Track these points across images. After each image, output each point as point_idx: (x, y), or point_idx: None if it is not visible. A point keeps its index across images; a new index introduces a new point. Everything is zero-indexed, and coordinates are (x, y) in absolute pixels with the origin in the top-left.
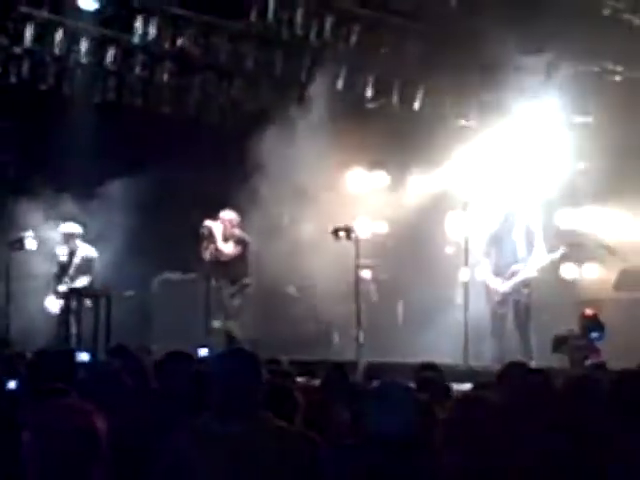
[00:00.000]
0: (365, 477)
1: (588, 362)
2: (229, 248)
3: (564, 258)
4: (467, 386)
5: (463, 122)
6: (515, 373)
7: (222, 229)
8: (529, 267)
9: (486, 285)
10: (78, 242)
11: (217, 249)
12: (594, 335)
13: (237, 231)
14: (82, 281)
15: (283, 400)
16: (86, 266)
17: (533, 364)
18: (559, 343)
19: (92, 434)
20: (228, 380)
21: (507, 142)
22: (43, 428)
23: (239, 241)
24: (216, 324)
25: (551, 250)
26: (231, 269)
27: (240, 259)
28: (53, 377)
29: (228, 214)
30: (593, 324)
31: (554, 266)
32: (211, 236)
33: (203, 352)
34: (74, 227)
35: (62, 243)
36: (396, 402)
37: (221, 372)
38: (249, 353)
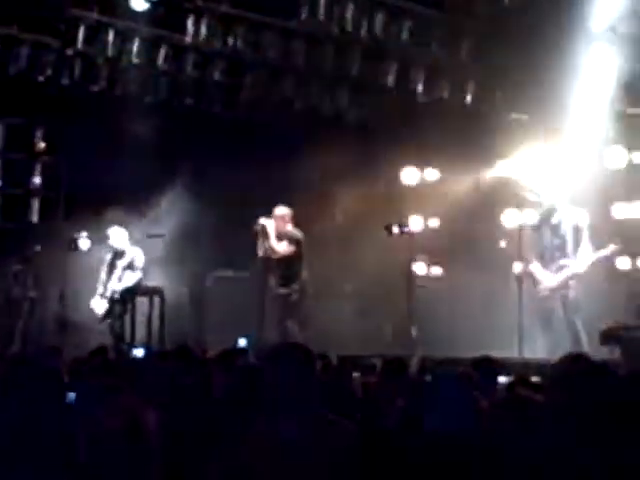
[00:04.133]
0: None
1: None
2: (282, 247)
3: (616, 254)
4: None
5: (514, 116)
6: (574, 367)
7: (275, 226)
8: (578, 263)
9: (533, 279)
10: (124, 244)
11: (271, 247)
12: None
13: (290, 228)
14: (130, 280)
15: (341, 396)
16: (134, 266)
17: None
18: (609, 335)
19: (141, 432)
20: (281, 376)
21: (559, 136)
22: (94, 430)
23: (292, 240)
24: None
25: (601, 246)
26: (286, 267)
27: (294, 257)
28: (107, 375)
29: (281, 210)
30: None
31: (607, 260)
32: (265, 234)
33: (242, 342)
34: (119, 231)
35: (109, 245)
36: (449, 397)
37: (274, 367)
38: (302, 348)
